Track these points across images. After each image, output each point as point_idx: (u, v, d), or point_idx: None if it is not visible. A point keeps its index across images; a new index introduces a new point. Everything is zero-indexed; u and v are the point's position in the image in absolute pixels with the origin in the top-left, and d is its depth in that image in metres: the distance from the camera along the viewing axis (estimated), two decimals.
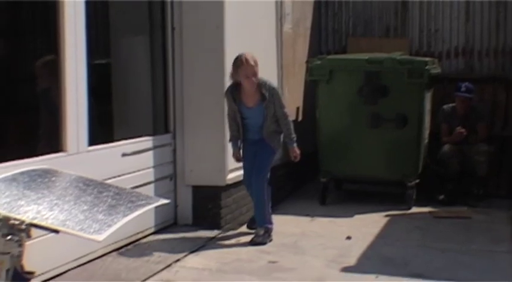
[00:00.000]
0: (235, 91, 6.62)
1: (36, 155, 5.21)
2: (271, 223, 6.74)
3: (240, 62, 6.47)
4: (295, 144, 6.75)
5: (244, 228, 7.03)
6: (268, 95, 6.56)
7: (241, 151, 6.80)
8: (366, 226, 7.30)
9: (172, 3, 6.95)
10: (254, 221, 6.84)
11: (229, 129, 6.78)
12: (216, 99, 6.84)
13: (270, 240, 6.63)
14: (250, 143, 6.77)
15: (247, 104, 6.64)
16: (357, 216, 7.76)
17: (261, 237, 6.60)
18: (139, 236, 6.47)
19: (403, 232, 7.12)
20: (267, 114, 6.61)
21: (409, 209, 8.09)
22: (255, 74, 6.49)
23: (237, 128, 6.73)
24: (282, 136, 6.79)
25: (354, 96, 8.16)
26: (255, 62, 6.48)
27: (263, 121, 6.66)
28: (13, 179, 4.56)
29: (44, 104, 6.00)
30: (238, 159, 6.82)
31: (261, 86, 6.56)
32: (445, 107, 8.85)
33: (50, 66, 5.68)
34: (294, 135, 6.73)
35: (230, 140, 6.80)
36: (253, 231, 6.78)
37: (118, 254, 6.02)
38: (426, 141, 8.51)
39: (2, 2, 5.86)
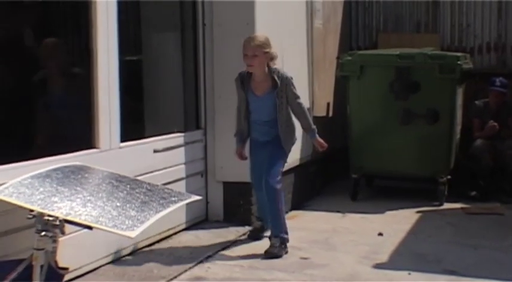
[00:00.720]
0: (245, 77, 6.20)
1: (69, 152, 5.25)
2: (287, 233, 6.18)
3: (245, 39, 6.14)
4: (317, 135, 6.36)
5: None
6: (280, 83, 6.08)
7: (246, 151, 6.39)
8: (398, 222, 7.27)
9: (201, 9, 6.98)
10: (258, 231, 6.56)
11: (236, 123, 6.38)
12: None
13: (286, 252, 6.09)
14: (258, 146, 6.32)
15: (256, 91, 6.17)
16: (388, 213, 7.73)
17: (277, 248, 6.04)
18: (171, 232, 6.49)
19: (435, 228, 7.06)
20: (280, 106, 6.11)
21: (441, 205, 8.03)
22: (254, 55, 6.02)
23: (244, 123, 6.28)
24: (294, 136, 6.34)
25: (385, 91, 8.11)
26: (261, 43, 6.06)
27: (274, 115, 6.14)
28: (47, 175, 4.60)
29: (41, 94, 5.80)
30: (241, 157, 6.38)
31: (273, 72, 6.11)
32: (477, 102, 8.78)
33: (59, 48, 5.64)
34: (314, 127, 6.35)
35: (235, 135, 6.38)
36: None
37: (150, 250, 6.04)
38: (458, 136, 8.46)
39: (36, 2, 5.92)
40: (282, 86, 6.11)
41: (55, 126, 5.69)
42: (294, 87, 6.20)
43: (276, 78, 6.09)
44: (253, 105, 6.21)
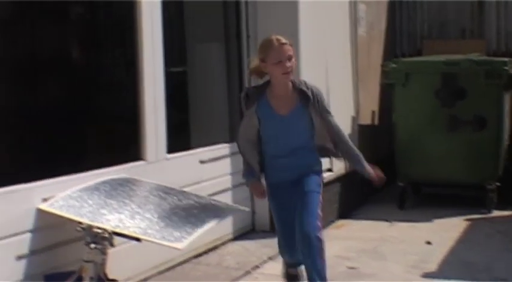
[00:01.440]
0: (256, 94, 4.73)
1: (116, 164, 5.29)
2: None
3: (268, 43, 4.65)
4: (366, 164, 4.86)
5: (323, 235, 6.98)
6: (312, 96, 4.67)
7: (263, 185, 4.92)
8: (446, 230, 7.19)
9: (247, 11, 6.98)
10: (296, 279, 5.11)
11: (243, 160, 4.92)
12: None
13: None
14: (282, 188, 4.80)
15: (279, 110, 4.70)
16: (436, 221, 7.65)
17: None
18: (218, 242, 6.50)
19: (484, 236, 6.97)
20: (313, 123, 4.72)
21: (490, 212, 7.92)
22: (290, 57, 4.60)
23: (256, 156, 4.81)
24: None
25: (431, 98, 8.04)
26: (290, 41, 4.69)
27: (304, 140, 4.75)
28: (95, 188, 4.65)
29: None
30: (260, 194, 4.91)
31: (298, 83, 4.72)
32: None
33: None
34: (359, 152, 4.87)
35: (243, 174, 4.93)
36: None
37: (197, 261, 6.06)
38: (506, 143, 8.35)
39: (83, 18, 6.01)
40: (313, 99, 4.70)
41: None
42: (326, 102, 4.85)
43: (304, 89, 4.69)
44: (273, 130, 4.74)
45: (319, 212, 4.70)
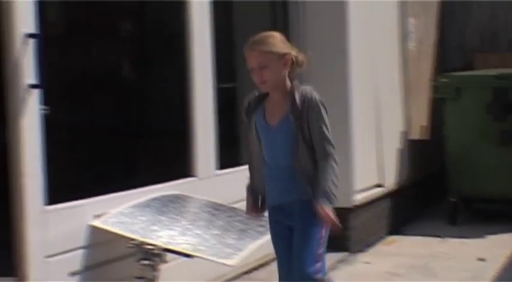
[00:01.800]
0: (258, 102, 4.05)
1: (166, 180, 5.32)
2: None
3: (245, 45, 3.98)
4: (329, 203, 3.84)
5: (373, 251, 6.95)
6: (301, 105, 3.86)
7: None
8: (498, 247, 7.09)
9: (295, 28, 7.00)
10: None
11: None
12: (337, 120, 6.78)
13: None
14: (276, 213, 4.10)
15: (269, 118, 3.98)
16: (488, 237, 7.54)
17: None
18: (268, 258, 6.48)
19: None
20: (297, 137, 3.88)
21: None
22: (263, 66, 3.86)
23: (258, 169, 4.12)
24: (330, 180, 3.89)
25: (482, 113, 7.97)
26: (270, 44, 3.90)
27: (291, 155, 3.90)
28: (146, 204, 4.70)
29: None
30: (257, 214, 4.24)
31: (296, 89, 3.92)
32: None
33: None
34: (335, 192, 3.88)
35: (247, 189, 4.27)
36: None
37: (248, 277, 6.05)
38: None
39: (133, 34, 6.08)
40: (303, 109, 3.88)
41: None
42: (323, 119, 3.90)
43: (296, 96, 3.89)
44: (265, 144, 4.02)
45: (319, 251, 3.94)
